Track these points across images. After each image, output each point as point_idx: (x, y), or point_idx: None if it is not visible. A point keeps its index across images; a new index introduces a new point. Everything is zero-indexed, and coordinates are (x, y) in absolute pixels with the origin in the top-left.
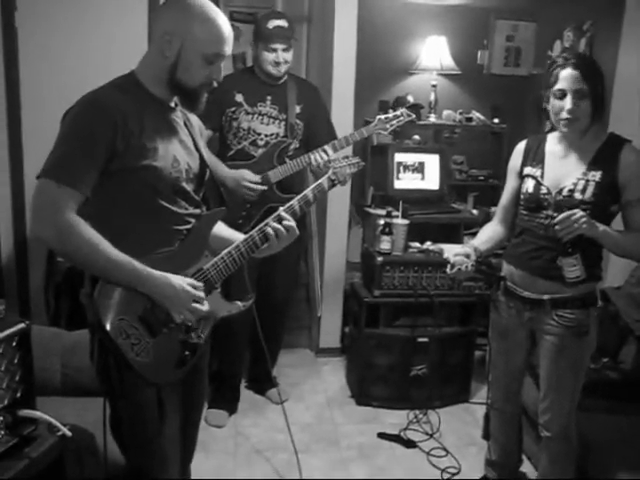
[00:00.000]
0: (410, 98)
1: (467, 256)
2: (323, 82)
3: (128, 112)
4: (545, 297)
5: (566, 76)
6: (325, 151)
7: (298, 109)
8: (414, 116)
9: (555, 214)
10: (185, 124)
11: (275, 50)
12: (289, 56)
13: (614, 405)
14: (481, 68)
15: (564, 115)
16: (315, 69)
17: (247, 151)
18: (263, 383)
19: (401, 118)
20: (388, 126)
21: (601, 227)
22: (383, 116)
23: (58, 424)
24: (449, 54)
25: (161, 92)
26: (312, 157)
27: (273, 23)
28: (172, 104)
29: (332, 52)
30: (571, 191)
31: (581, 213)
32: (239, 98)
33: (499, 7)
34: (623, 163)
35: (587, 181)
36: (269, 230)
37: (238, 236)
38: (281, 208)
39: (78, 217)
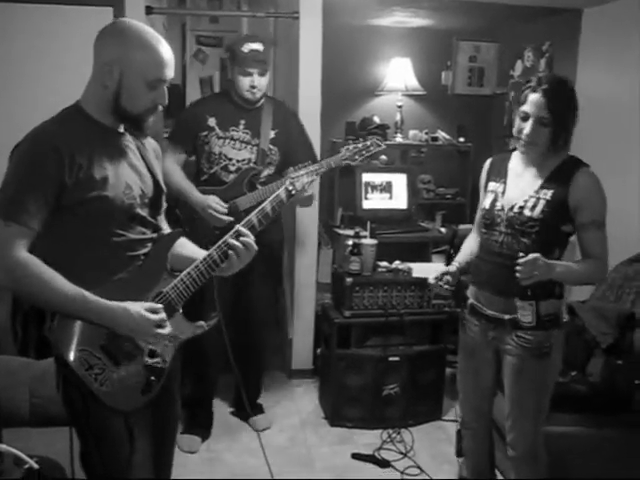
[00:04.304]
0: (376, 119)
1: (448, 273)
2: (289, 104)
3: (75, 145)
4: (506, 317)
5: (533, 100)
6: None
7: (273, 134)
8: (384, 146)
9: (509, 230)
10: (138, 148)
11: (250, 74)
12: (265, 80)
13: (583, 418)
14: (445, 88)
15: (522, 137)
16: (282, 91)
17: (219, 176)
18: (245, 410)
19: (371, 148)
20: (357, 157)
21: (557, 267)
22: (352, 146)
23: (24, 457)
24: (414, 75)
25: (107, 120)
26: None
27: (249, 47)
28: (121, 129)
29: (298, 75)
30: (521, 208)
31: (542, 260)
32: (212, 122)
33: (461, 29)
34: (575, 185)
35: (538, 199)
36: (227, 247)
37: (202, 254)
38: (238, 224)
39: (28, 254)
